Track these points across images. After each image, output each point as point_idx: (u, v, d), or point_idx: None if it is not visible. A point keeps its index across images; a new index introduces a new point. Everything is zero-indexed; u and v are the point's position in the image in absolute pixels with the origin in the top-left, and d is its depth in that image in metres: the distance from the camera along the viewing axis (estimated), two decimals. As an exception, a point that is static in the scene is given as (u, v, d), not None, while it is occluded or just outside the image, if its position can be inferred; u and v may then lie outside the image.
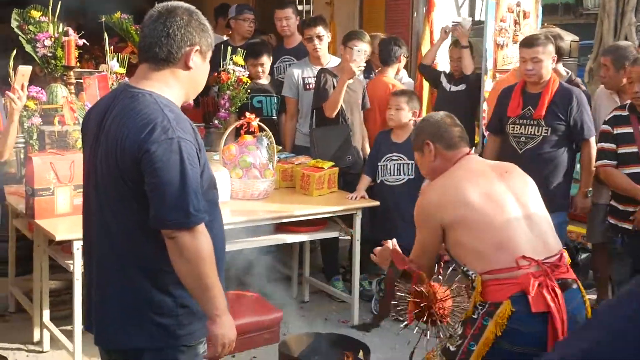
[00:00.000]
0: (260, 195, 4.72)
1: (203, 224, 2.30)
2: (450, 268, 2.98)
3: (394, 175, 5.16)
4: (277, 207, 4.65)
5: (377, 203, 5.02)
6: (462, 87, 6.03)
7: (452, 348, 2.77)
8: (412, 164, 5.11)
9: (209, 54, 2.49)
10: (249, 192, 4.68)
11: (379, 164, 5.20)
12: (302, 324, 4.96)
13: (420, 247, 3.04)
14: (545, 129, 4.71)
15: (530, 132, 4.76)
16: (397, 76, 6.05)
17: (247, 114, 4.92)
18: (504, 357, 2.69)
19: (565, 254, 2.84)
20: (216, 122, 5.52)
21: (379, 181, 5.21)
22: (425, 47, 6.96)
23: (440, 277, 2.89)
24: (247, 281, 5.73)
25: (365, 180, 5.15)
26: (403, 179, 5.16)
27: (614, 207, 4.60)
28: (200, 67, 2.45)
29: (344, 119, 5.39)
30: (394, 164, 5.16)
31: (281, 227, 4.75)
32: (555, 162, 4.78)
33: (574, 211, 5.00)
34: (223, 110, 5.51)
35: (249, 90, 5.64)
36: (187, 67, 2.40)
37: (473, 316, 2.75)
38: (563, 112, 4.71)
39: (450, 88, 6.08)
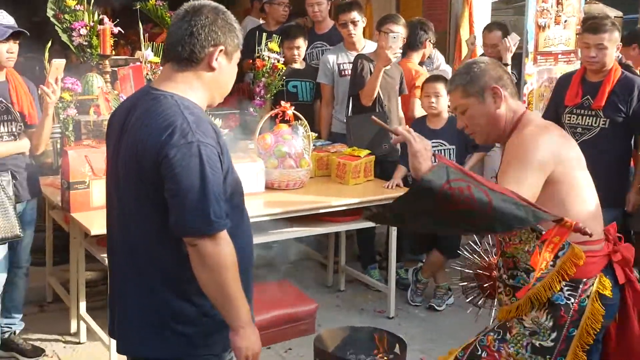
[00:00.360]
0: (296, 185, 4.67)
1: (225, 231, 2.23)
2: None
3: (434, 162, 5.05)
4: (312, 197, 4.60)
5: (414, 192, 4.94)
6: None
7: (547, 344, 2.56)
8: (452, 149, 5.03)
9: (237, 55, 2.40)
10: (285, 182, 4.63)
11: None
12: (338, 314, 4.93)
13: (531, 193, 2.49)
14: (604, 121, 4.50)
15: (588, 122, 4.57)
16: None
17: (282, 102, 4.87)
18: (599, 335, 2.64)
19: None
20: (251, 109, 5.47)
21: None
22: (464, 30, 6.82)
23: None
24: (283, 271, 5.74)
25: (401, 170, 5.06)
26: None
27: None
28: (225, 69, 2.37)
29: (380, 106, 5.31)
30: (434, 151, 5.05)
31: (317, 217, 4.70)
32: (612, 155, 4.55)
33: (627, 208, 4.81)
34: (258, 98, 5.47)
35: (284, 77, 5.58)
36: (210, 68, 2.32)
37: (558, 302, 2.55)
38: (623, 103, 4.50)
39: None
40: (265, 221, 4.35)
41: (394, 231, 4.83)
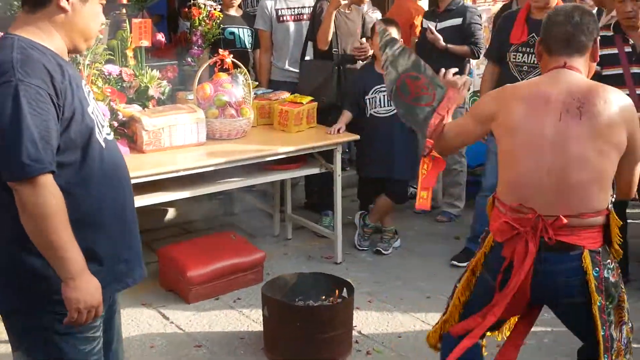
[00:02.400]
0: (238, 134, 4.60)
1: (49, 176, 2.09)
2: None
3: (384, 106, 5.04)
4: (255, 146, 4.54)
5: (357, 137, 4.94)
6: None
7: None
8: None
9: None
10: (226, 131, 4.55)
11: (367, 97, 5.06)
12: (286, 262, 4.93)
13: (458, 128, 2.88)
14: None
15: (534, 60, 4.53)
16: None
17: (221, 50, 4.77)
18: (485, 287, 2.72)
19: (592, 219, 2.54)
20: (189, 59, 5.35)
21: (368, 115, 5.09)
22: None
23: None
24: (230, 222, 5.72)
25: (346, 116, 5.03)
26: (394, 109, 5.03)
27: None
28: (80, 10, 2.23)
29: (338, 51, 5.31)
30: (384, 95, 5.03)
31: (261, 166, 4.65)
32: None
33: None
34: (195, 47, 5.34)
35: (221, 25, 5.46)
36: (61, 9, 2.21)
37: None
38: None
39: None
40: (208, 172, 4.29)
41: (339, 177, 4.82)
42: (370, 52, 5.29)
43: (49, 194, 2.08)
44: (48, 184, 2.09)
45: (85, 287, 2.17)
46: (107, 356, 2.50)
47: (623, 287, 2.68)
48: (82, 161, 2.21)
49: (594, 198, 2.52)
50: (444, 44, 5.48)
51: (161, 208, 5.54)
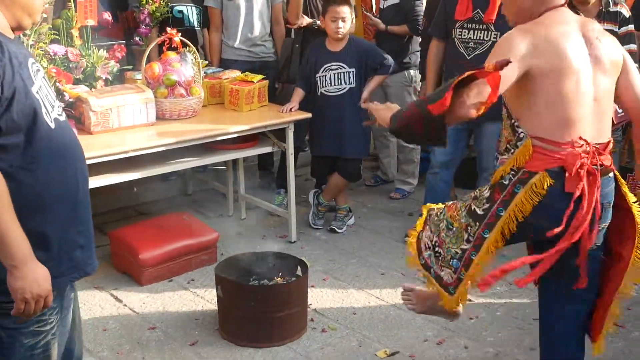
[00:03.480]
0: (188, 114, 4.55)
1: None
2: None
3: (334, 85, 5.02)
4: (207, 125, 4.49)
5: (309, 115, 4.92)
6: None
7: (479, 211, 2.68)
8: (352, 72, 4.99)
9: None
10: (176, 111, 4.50)
11: (318, 75, 5.04)
12: (240, 242, 4.90)
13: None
14: (495, 34, 4.49)
15: (479, 37, 4.57)
16: None
17: (169, 29, 4.69)
18: (528, 231, 2.64)
19: (612, 141, 2.73)
20: (137, 38, 5.26)
21: (319, 93, 5.07)
22: None
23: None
24: (183, 203, 5.67)
25: (298, 93, 5.01)
26: (344, 88, 5.03)
27: None
28: None
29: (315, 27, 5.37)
30: (334, 74, 5.02)
31: (213, 146, 4.61)
32: None
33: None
34: (143, 26, 5.24)
35: (168, 3, 5.37)
36: None
37: (503, 182, 2.64)
38: None
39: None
40: (159, 152, 4.23)
41: (291, 156, 4.80)
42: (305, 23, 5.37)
43: None
44: None
45: (31, 276, 2.08)
46: (68, 342, 2.44)
47: None
48: (27, 143, 2.13)
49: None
50: (383, 26, 5.54)
51: (112, 190, 5.44)
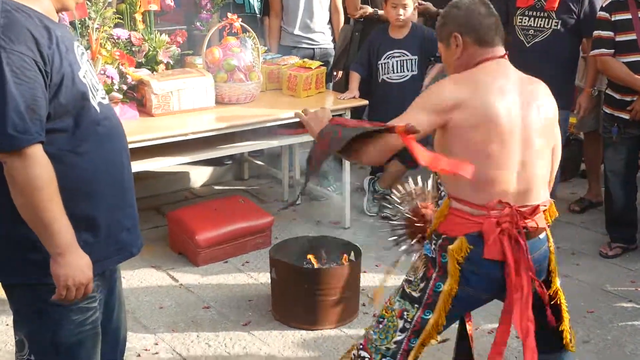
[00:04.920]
0: (247, 98, 4.61)
1: (39, 147, 2.03)
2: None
3: (396, 72, 5.03)
4: (264, 110, 4.55)
5: (366, 102, 4.93)
6: None
7: (415, 294, 2.49)
8: (415, 59, 4.99)
9: None
10: (235, 96, 4.56)
11: (380, 62, 5.05)
12: (294, 227, 4.96)
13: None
14: (556, 22, 4.50)
15: (540, 24, 4.54)
16: None
17: (229, 14, 4.76)
18: (470, 301, 2.52)
19: (548, 205, 2.55)
20: (198, 24, 5.34)
21: (380, 80, 5.08)
22: None
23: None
24: (238, 187, 5.75)
25: (356, 78, 5.02)
26: (407, 75, 5.03)
27: (610, 96, 4.50)
28: None
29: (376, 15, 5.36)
30: (396, 61, 5.03)
31: (270, 131, 4.66)
32: (564, 57, 4.61)
33: (577, 113, 4.88)
34: (205, 12, 5.33)
35: (230, -12, 5.45)
36: None
37: (431, 255, 2.49)
38: (575, 4, 4.51)
39: None
40: (217, 136, 4.30)
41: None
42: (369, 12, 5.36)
43: (38, 165, 2.02)
44: (37, 155, 2.02)
45: (74, 264, 2.11)
46: (109, 321, 2.50)
47: None
48: (75, 127, 2.15)
49: (546, 186, 2.55)
50: (434, 9, 5.53)
51: (171, 172, 5.56)
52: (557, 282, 2.61)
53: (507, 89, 2.44)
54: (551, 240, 2.59)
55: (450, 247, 2.42)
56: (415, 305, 2.49)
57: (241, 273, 4.33)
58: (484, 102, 2.39)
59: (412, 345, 2.49)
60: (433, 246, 2.49)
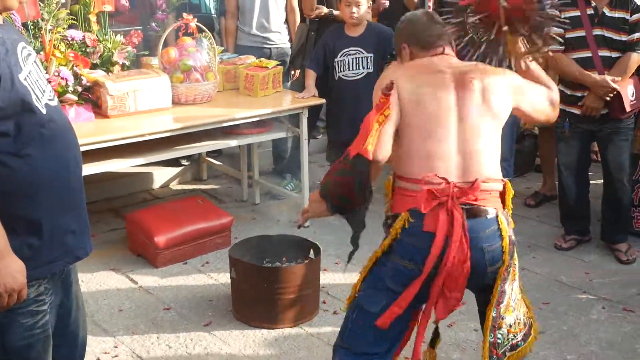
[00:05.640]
0: (204, 98, 4.60)
1: None
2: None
3: (352, 70, 5.05)
4: (221, 110, 4.55)
5: (324, 100, 4.96)
6: None
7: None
8: (370, 57, 5.00)
9: None
10: (192, 96, 4.55)
11: (336, 60, 5.06)
12: (254, 226, 4.96)
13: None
14: None
15: None
16: None
17: (185, 15, 4.74)
18: (391, 271, 2.57)
19: (495, 184, 2.57)
20: (153, 24, 5.31)
21: (336, 78, 5.10)
22: None
23: None
24: (197, 187, 5.74)
25: (312, 76, 5.03)
26: (362, 72, 5.05)
27: (561, 92, 4.57)
28: None
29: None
30: (352, 59, 5.05)
31: (226, 131, 4.67)
32: None
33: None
34: (160, 12, 5.30)
35: (185, -11, 5.44)
36: None
37: (385, 235, 2.62)
38: None
39: None
40: (174, 136, 4.29)
41: (305, 141, 4.84)
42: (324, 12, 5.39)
43: None
44: None
45: (5, 270, 2.07)
46: (66, 325, 2.47)
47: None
48: (17, 130, 2.11)
49: (493, 164, 2.59)
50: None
51: (129, 174, 5.52)
52: (502, 271, 2.57)
53: (442, 70, 2.62)
54: (506, 228, 2.55)
55: (395, 224, 2.53)
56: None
57: (201, 274, 4.32)
58: (418, 83, 2.58)
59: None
60: (386, 228, 2.60)
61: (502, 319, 2.60)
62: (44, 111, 2.19)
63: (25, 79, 2.15)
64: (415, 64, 2.72)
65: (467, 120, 2.55)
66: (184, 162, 5.87)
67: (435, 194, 2.45)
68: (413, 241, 2.50)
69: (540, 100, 2.74)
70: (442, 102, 2.55)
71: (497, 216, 2.53)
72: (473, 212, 2.48)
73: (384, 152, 2.52)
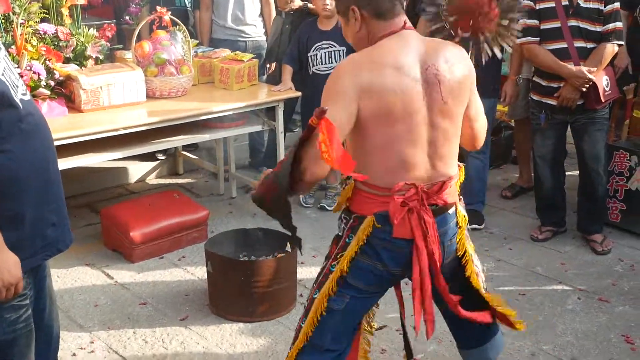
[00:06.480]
0: (178, 92, 4.57)
1: None
2: None
3: (325, 63, 5.04)
4: (196, 104, 4.51)
5: (299, 93, 4.94)
6: None
7: (319, 271, 2.56)
8: (342, 50, 5.00)
9: None
10: (166, 90, 4.52)
11: (309, 54, 5.06)
12: (231, 220, 4.94)
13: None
14: None
15: None
16: None
17: (158, 7, 4.71)
18: (366, 274, 2.45)
19: (455, 178, 2.50)
20: (127, 18, 5.27)
21: (310, 72, 5.09)
22: None
23: None
24: (173, 182, 5.70)
25: (288, 71, 5.02)
26: (335, 66, 5.04)
27: (537, 83, 4.60)
28: None
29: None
30: (325, 52, 5.04)
31: (202, 124, 4.64)
32: None
33: (503, 100, 4.96)
34: (134, 6, 5.26)
35: (159, -18, 5.40)
36: None
37: (338, 233, 2.50)
38: None
39: None
40: (149, 130, 4.26)
41: (281, 134, 4.83)
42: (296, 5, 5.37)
43: None
44: None
45: (1, 265, 2.10)
46: (41, 319, 2.47)
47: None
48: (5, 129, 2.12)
49: (455, 161, 2.51)
50: None
51: (104, 168, 5.48)
52: (473, 267, 2.57)
53: (407, 68, 2.33)
54: (461, 214, 2.53)
55: (362, 226, 2.39)
56: (314, 284, 2.56)
57: (177, 268, 4.29)
58: (384, 88, 2.29)
59: (302, 325, 2.57)
60: (343, 225, 2.48)
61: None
62: (20, 106, 2.19)
63: (2, 74, 2.14)
64: (376, 55, 2.35)
65: (435, 123, 2.38)
66: (160, 157, 5.84)
67: (405, 201, 2.35)
68: (384, 245, 2.41)
69: (482, 111, 2.58)
70: (413, 104, 2.32)
71: (455, 209, 2.49)
72: (438, 211, 2.43)
73: (323, 170, 2.31)
